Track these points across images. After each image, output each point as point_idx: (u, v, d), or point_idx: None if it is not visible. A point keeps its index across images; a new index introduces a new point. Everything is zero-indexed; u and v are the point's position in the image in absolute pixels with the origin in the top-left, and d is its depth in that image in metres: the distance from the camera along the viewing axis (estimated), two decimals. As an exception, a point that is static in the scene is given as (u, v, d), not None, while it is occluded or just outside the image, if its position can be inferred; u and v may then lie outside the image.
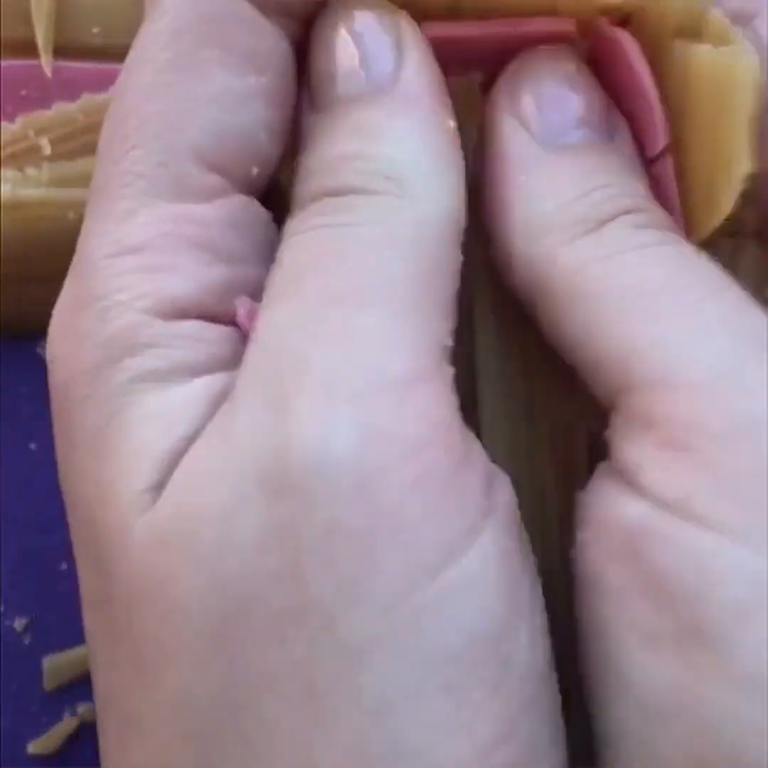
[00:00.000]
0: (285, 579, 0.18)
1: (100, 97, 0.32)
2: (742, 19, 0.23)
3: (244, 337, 0.21)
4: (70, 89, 0.32)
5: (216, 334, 0.21)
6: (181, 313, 0.21)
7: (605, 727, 0.20)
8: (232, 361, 0.21)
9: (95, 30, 0.32)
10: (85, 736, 0.33)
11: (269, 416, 0.19)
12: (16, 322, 0.33)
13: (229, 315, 0.21)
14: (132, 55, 0.22)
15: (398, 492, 0.18)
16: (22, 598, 0.33)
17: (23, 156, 0.32)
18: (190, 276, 0.21)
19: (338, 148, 0.21)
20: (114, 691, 0.20)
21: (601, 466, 0.21)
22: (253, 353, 0.20)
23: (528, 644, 0.19)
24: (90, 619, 0.21)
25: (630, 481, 0.20)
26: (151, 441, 0.20)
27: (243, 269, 0.21)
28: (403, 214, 0.21)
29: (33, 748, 0.33)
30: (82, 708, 0.33)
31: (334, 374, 0.19)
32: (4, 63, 0.32)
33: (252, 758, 0.18)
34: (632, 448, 0.20)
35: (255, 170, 0.22)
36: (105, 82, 0.32)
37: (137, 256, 0.21)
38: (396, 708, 0.18)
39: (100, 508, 0.20)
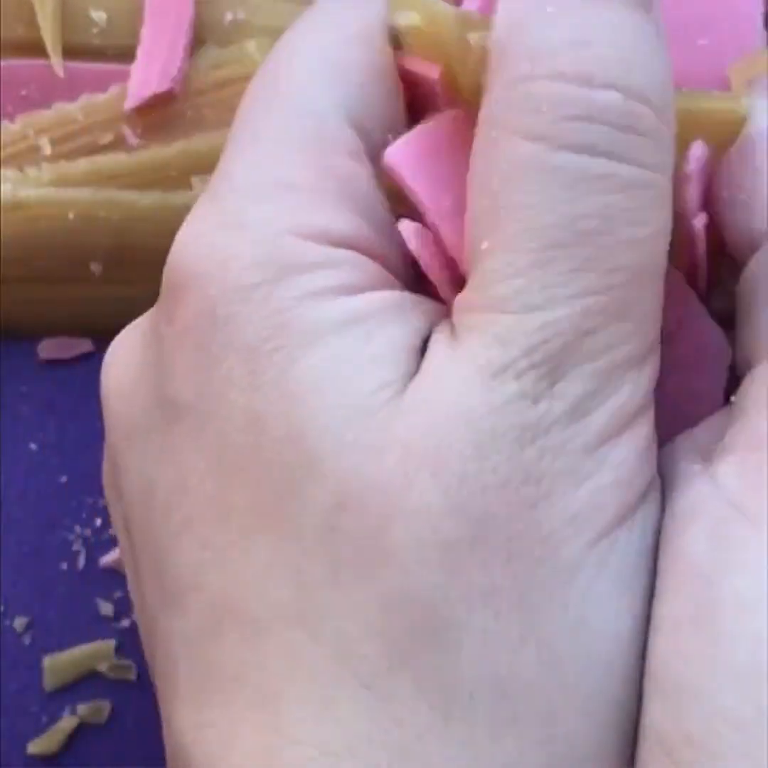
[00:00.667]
0: (524, 510, 0.20)
1: (100, 97, 0.32)
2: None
3: (407, 261, 0.22)
4: (70, 89, 0.32)
5: (371, 265, 0.22)
6: (336, 244, 0.21)
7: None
8: (390, 284, 0.22)
9: (95, 30, 0.32)
10: (85, 736, 0.34)
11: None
12: (17, 322, 0.33)
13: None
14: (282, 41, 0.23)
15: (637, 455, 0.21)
16: (22, 598, 0.33)
17: (23, 156, 0.32)
18: (341, 216, 0.21)
19: (630, 39, 0.21)
20: (280, 599, 0.20)
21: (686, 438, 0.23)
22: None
23: None
24: (237, 526, 0.21)
25: (707, 460, 0.22)
26: (354, 349, 0.20)
27: (377, 232, 0.22)
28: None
29: (33, 748, 0.33)
30: (82, 708, 0.33)
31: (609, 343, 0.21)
32: (3, 63, 0.32)
33: (448, 660, 0.19)
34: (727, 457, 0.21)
35: (390, 137, 0.23)
36: (105, 82, 0.32)
37: (290, 191, 0.21)
38: (592, 622, 0.20)
39: (298, 416, 0.20)
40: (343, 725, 0.19)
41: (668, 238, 0.21)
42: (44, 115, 0.32)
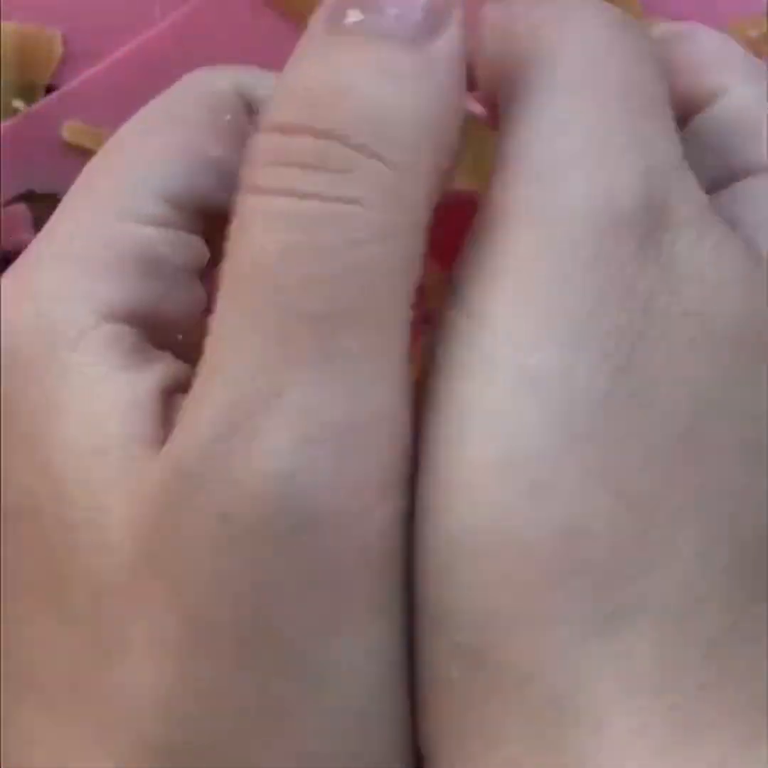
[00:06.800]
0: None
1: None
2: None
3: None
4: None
5: (139, 339, 0.22)
6: (114, 316, 0.22)
7: None
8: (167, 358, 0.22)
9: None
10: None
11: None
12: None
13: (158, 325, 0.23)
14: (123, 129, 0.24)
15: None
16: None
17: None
18: (119, 285, 0.22)
19: (332, 79, 0.20)
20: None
21: None
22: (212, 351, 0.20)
23: None
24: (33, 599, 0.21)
25: None
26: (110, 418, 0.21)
27: (174, 294, 0.23)
28: (375, 203, 0.20)
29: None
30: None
31: (308, 405, 0.20)
32: None
33: None
34: None
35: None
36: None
37: (79, 264, 0.22)
38: None
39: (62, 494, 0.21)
40: None
41: (401, 273, 0.20)
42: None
